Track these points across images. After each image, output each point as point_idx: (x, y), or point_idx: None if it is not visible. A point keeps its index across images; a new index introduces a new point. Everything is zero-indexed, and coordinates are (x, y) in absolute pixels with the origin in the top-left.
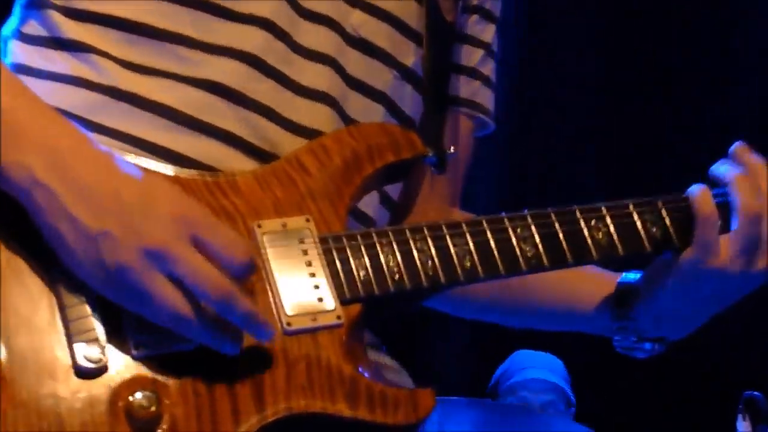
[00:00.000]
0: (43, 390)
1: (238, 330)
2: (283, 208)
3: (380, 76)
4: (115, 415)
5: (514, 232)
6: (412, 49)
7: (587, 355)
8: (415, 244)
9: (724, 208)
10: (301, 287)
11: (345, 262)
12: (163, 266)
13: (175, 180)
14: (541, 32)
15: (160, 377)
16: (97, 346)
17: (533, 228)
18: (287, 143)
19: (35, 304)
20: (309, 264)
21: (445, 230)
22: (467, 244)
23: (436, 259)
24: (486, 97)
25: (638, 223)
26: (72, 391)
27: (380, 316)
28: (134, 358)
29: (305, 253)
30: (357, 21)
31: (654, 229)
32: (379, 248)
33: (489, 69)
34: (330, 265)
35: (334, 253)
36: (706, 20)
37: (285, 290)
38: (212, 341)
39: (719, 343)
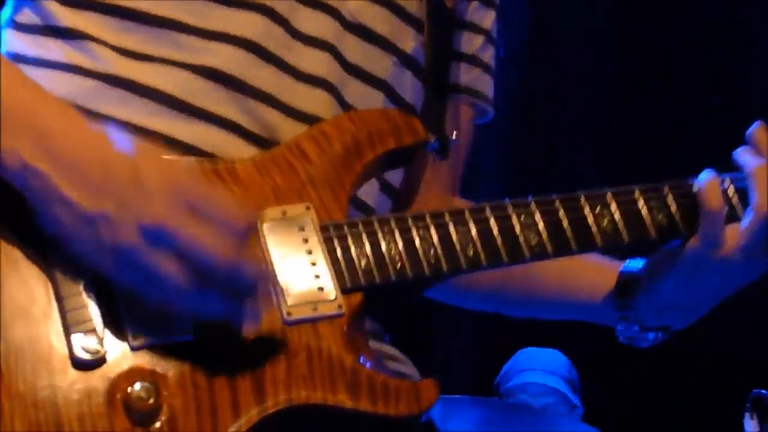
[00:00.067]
0: (39, 382)
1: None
2: (283, 195)
3: (379, 63)
4: (113, 407)
5: (518, 219)
6: (411, 35)
7: (592, 345)
8: (417, 231)
9: (740, 193)
10: (301, 276)
11: (346, 250)
12: (165, 242)
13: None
14: (544, 24)
15: (158, 368)
16: (94, 337)
17: (537, 215)
18: (287, 129)
19: (32, 294)
20: (309, 252)
21: (447, 218)
22: (470, 231)
23: (438, 247)
24: (486, 84)
25: (644, 210)
26: (69, 382)
27: (382, 304)
28: (132, 348)
29: (306, 241)
30: (355, 7)
31: (660, 217)
32: (380, 236)
33: (489, 56)
34: (331, 253)
35: (335, 242)
36: (708, 12)
37: (285, 279)
38: (226, 310)
39: (724, 332)
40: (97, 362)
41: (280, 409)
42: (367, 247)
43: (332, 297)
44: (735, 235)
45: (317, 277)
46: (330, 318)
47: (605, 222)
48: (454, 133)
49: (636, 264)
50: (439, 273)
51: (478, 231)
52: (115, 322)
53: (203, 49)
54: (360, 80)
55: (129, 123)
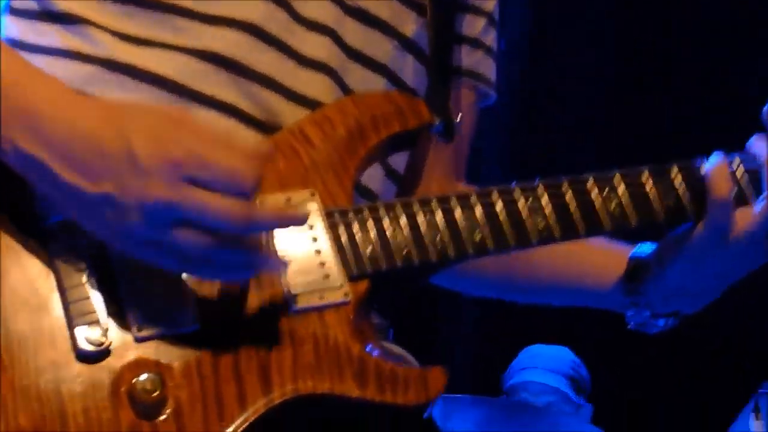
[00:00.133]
0: (43, 375)
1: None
2: (287, 181)
3: (380, 47)
4: (118, 399)
5: (525, 203)
6: (412, 18)
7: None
8: (423, 216)
9: (750, 174)
10: (306, 264)
11: (352, 237)
12: (173, 215)
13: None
14: (544, 22)
15: (163, 359)
16: (98, 329)
17: (545, 198)
18: (289, 114)
19: (34, 286)
20: (314, 240)
21: (454, 202)
22: (477, 216)
23: (444, 233)
24: (488, 67)
25: (652, 193)
26: (73, 375)
27: (388, 291)
28: (137, 340)
29: (311, 228)
30: None
31: (668, 200)
32: (386, 222)
33: (491, 38)
34: (336, 240)
35: (341, 228)
36: (708, 12)
37: (291, 267)
38: (255, 265)
39: (733, 318)
40: (101, 354)
41: (286, 399)
42: (373, 234)
43: (338, 284)
44: (744, 219)
45: (323, 264)
46: (336, 306)
47: (613, 205)
48: (459, 115)
49: (645, 249)
50: (445, 259)
51: (485, 215)
52: (119, 313)
53: (204, 33)
54: (361, 64)
55: None
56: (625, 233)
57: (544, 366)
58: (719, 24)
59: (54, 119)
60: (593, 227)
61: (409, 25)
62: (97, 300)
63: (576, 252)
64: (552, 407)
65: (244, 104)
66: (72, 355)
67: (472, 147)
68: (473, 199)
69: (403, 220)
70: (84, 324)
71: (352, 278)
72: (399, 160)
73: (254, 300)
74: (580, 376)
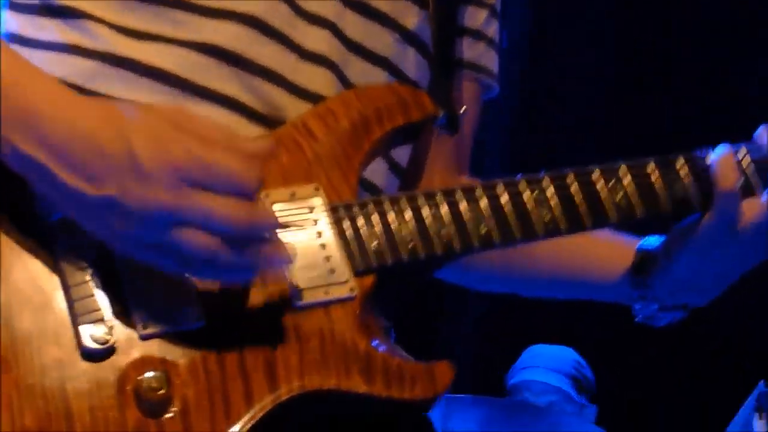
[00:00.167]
0: (48, 373)
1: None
2: (291, 176)
3: (381, 40)
4: (123, 397)
5: (531, 195)
6: (414, 11)
7: (600, 331)
8: (428, 210)
9: (756, 164)
10: (312, 259)
11: (357, 231)
12: (175, 219)
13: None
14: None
15: (169, 357)
16: (103, 327)
17: (550, 190)
18: (292, 108)
19: (37, 284)
20: (319, 234)
21: (459, 195)
22: (482, 209)
23: (450, 226)
24: (490, 60)
25: (658, 184)
26: (78, 373)
27: (394, 287)
28: (142, 337)
29: (315, 223)
30: None
31: (674, 191)
32: (391, 216)
33: (493, 30)
34: (341, 234)
35: (346, 223)
36: (708, 12)
37: (295, 262)
38: (258, 266)
39: (734, 317)
40: (106, 352)
41: (293, 395)
42: (378, 228)
43: (344, 279)
44: (751, 210)
45: (328, 259)
46: (342, 301)
47: (619, 196)
48: (463, 108)
49: (652, 242)
50: (451, 252)
51: (491, 208)
52: (124, 311)
53: (205, 26)
54: (361, 58)
55: None
56: (630, 227)
57: (546, 365)
58: (719, 24)
59: (54, 119)
60: (599, 219)
61: (411, 17)
62: (101, 297)
63: (580, 244)
64: (553, 407)
65: (246, 98)
66: (77, 353)
67: (475, 140)
68: (478, 191)
69: (408, 214)
70: (89, 322)
71: (358, 273)
72: (402, 154)
73: (259, 296)
74: (583, 376)
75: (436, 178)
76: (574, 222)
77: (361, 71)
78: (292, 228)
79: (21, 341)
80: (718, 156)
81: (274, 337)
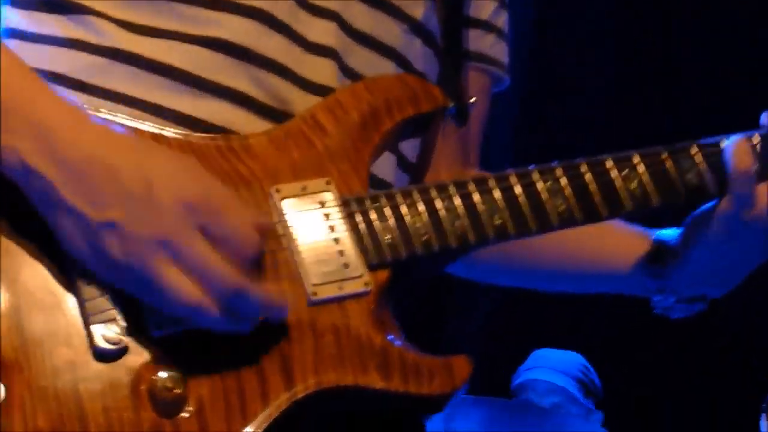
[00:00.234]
0: (61, 375)
1: (254, 313)
2: (302, 170)
3: (388, 30)
4: (138, 398)
5: (544, 185)
6: (421, 2)
7: (607, 329)
8: (441, 202)
9: None
10: (325, 254)
11: (370, 225)
12: (172, 256)
13: (185, 145)
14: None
15: (183, 356)
16: (115, 326)
17: (564, 180)
18: (299, 101)
19: (47, 284)
20: (332, 229)
21: (472, 186)
22: (495, 200)
23: (464, 218)
24: (500, 51)
25: (672, 171)
26: (91, 374)
27: (408, 280)
28: (155, 337)
29: (327, 217)
30: None
31: (689, 177)
32: (404, 209)
33: (502, 21)
34: (354, 229)
35: (358, 216)
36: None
37: (309, 258)
38: (229, 327)
39: (742, 314)
40: (119, 352)
41: (309, 393)
42: (392, 221)
43: (358, 274)
44: (766, 194)
45: (341, 253)
46: (357, 296)
47: (634, 184)
48: (473, 98)
49: (669, 233)
50: (466, 244)
51: (504, 199)
52: (136, 310)
53: (210, 20)
54: (368, 48)
55: (137, 99)
56: (641, 218)
57: (552, 367)
58: (719, 24)
59: (71, 140)
60: (615, 208)
61: (419, 7)
62: (112, 297)
63: (593, 234)
64: (557, 408)
65: (253, 91)
66: (89, 354)
67: (484, 134)
68: (491, 182)
69: (421, 206)
70: (100, 322)
71: (372, 267)
72: (411, 149)
73: (273, 292)
74: (590, 380)
75: (444, 173)
76: (589, 211)
77: (367, 62)
78: (304, 221)
79: (32, 343)
80: (732, 141)
81: (288, 333)
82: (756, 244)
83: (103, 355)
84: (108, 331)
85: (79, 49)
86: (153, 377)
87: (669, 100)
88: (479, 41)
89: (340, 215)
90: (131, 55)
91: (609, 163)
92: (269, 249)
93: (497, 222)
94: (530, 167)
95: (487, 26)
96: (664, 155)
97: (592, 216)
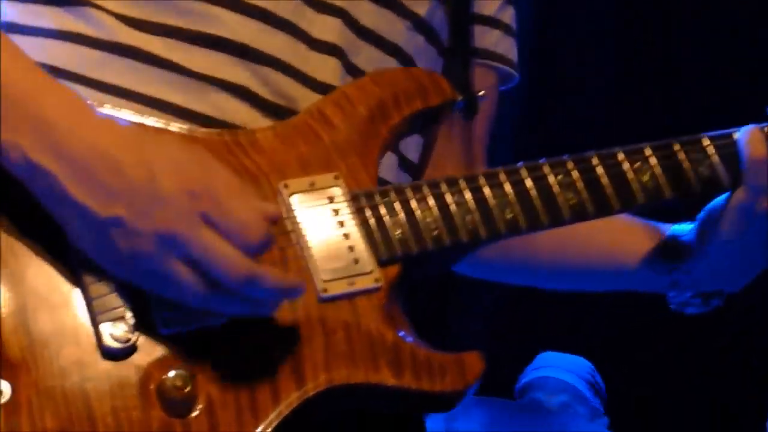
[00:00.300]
0: (69, 375)
1: (270, 296)
2: (310, 165)
3: (393, 27)
4: (147, 397)
5: (555, 178)
6: None
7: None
8: (451, 197)
9: None
10: (335, 250)
11: (379, 220)
12: (179, 249)
13: (190, 140)
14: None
15: (192, 354)
16: (123, 324)
17: (575, 173)
18: (303, 98)
19: (53, 283)
20: (341, 224)
21: (482, 181)
22: (506, 193)
23: (474, 212)
24: (507, 47)
25: (685, 163)
26: (100, 374)
27: (419, 276)
28: (163, 335)
29: (336, 212)
30: None
31: (702, 169)
32: (414, 204)
33: (509, 16)
34: (364, 224)
35: (368, 211)
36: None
37: (318, 254)
38: (245, 311)
39: (743, 315)
40: (127, 351)
41: (320, 391)
42: (402, 216)
43: (369, 270)
44: None
45: (351, 249)
46: (368, 292)
47: (646, 177)
48: (481, 91)
49: (683, 228)
50: (477, 239)
51: (515, 193)
52: (144, 308)
53: (210, 16)
54: (373, 45)
55: (139, 93)
56: (651, 212)
57: (561, 366)
58: (720, 24)
59: (74, 134)
60: (627, 200)
61: (423, 4)
62: (120, 295)
63: (603, 230)
64: (565, 407)
65: (256, 87)
66: (97, 353)
67: (491, 133)
68: (502, 176)
69: (431, 201)
70: (108, 320)
71: (382, 262)
72: (414, 150)
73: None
74: (596, 382)
75: (451, 173)
76: (601, 204)
77: (371, 59)
78: (312, 217)
79: (39, 342)
80: (746, 130)
81: (298, 331)
82: None
83: (111, 354)
84: (116, 330)
85: (78, 42)
86: (162, 376)
87: (669, 100)
88: (485, 38)
89: (349, 210)
90: (131, 48)
91: (620, 156)
92: (279, 245)
93: (508, 216)
94: (541, 161)
95: (492, 22)
96: (677, 147)
97: (604, 209)
